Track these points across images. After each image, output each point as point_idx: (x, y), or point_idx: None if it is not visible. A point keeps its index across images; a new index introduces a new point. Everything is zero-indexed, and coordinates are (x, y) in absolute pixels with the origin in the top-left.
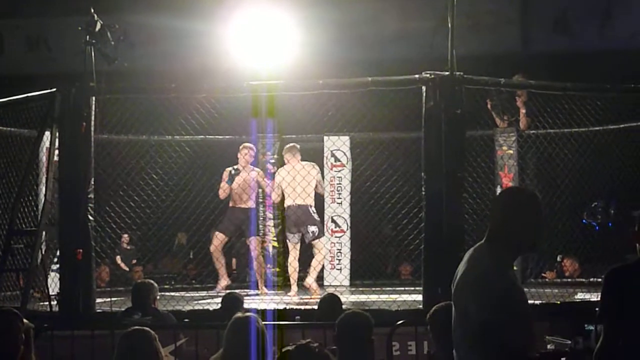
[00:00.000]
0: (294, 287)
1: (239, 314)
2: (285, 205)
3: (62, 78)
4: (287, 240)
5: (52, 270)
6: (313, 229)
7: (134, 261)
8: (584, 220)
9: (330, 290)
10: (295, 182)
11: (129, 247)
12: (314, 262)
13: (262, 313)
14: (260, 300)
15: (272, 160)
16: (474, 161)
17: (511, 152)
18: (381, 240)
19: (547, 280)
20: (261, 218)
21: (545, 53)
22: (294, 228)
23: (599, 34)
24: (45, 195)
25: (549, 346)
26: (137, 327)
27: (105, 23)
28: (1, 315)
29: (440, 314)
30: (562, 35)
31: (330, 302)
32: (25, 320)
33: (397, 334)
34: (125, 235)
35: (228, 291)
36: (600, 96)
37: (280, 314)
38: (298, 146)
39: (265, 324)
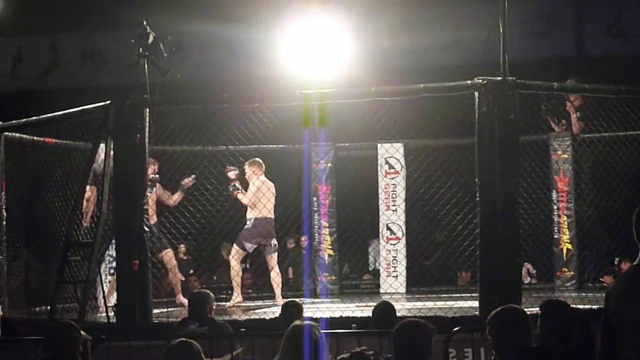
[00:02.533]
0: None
1: (297, 322)
2: (253, 217)
3: (117, 90)
4: (239, 249)
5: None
6: (274, 242)
7: (191, 271)
8: None
9: (387, 297)
10: (267, 196)
11: (185, 258)
12: (276, 277)
13: (317, 321)
14: (316, 309)
15: (326, 169)
16: (528, 166)
17: (566, 156)
18: (436, 247)
19: (604, 284)
20: (316, 226)
21: (599, 57)
22: (255, 239)
23: None
24: (101, 207)
25: None
26: (182, 339)
27: (158, 35)
28: (59, 327)
29: (500, 318)
30: (616, 39)
31: (385, 310)
32: (82, 332)
33: (454, 340)
34: (182, 246)
35: (288, 299)
36: None
37: (335, 321)
38: (261, 161)
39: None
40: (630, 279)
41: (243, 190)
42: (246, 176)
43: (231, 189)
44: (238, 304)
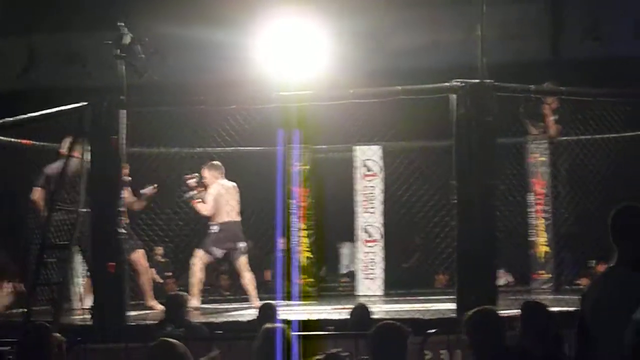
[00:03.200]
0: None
1: (269, 325)
2: (221, 221)
3: (96, 92)
4: (205, 254)
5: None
6: (243, 244)
7: (168, 274)
8: None
9: (364, 300)
10: (227, 199)
11: (162, 260)
12: (249, 282)
13: (294, 323)
14: (292, 311)
15: (303, 172)
16: (505, 169)
17: (543, 159)
18: (414, 249)
19: (581, 286)
20: (293, 229)
21: (576, 60)
22: (224, 244)
23: (631, 40)
24: (77, 208)
25: None
26: (165, 339)
27: (135, 36)
28: (33, 329)
29: (475, 320)
30: (593, 42)
31: (361, 312)
32: (57, 334)
33: (430, 342)
34: (159, 248)
35: (265, 302)
36: (630, 102)
37: (312, 324)
38: (220, 164)
39: (297, 334)
40: (607, 281)
41: (202, 199)
42: (205, 181)
43: (188, 196)
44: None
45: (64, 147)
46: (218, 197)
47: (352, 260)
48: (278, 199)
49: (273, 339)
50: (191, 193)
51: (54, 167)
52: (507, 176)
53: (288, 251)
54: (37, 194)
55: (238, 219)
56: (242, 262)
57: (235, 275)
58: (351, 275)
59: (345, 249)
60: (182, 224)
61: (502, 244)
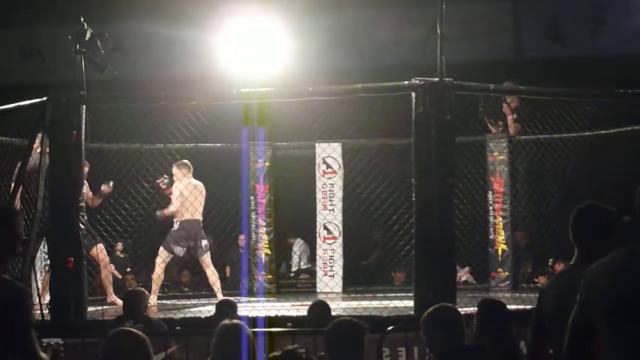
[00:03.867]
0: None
1: (226, 322)
2: (179, 219)
3: (55, 88)
4: (168, 253)
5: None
6: (205, 242)
7: (128, 269)
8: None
9: (322, 297)
10: (193, 197)
11: (122, 256)
12: (213, 279)
13: (254, 320)
14: (252, 307)
15: (264, 168)
16: (464, 167)
17: (502, 157)
18: (373, 247)
19: (539, 285)
20: (253, 225)
21: (537, 60)
22: (184, 242)
23: (591, 39)
24: (36, 204)
25: None
26: (125, 328)
27: (96, 32)
28: None
29: (433, 317)
30: (554, 42)
31: (320, 309)
32: None
33: (388, 339)
34: (119, 244)
35: (223, 298)
36: (590, 101)
37: (271, 320)
38: (189, 163)
39: (255, 331)
40: (567, 279)
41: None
42: (174, 178)
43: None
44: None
45: (37, 142)
46: (183, 195)
47: (304, 256)
48: (242, 196)
49: (230, 336)
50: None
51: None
52: (466, 174)
53: (248, 248)
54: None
55: (199, 217)
56: (205, 259)
57: (196, 272)
58: (310, 271)
59: (296, 245)
60: (141, 220)
61: (461, 242)
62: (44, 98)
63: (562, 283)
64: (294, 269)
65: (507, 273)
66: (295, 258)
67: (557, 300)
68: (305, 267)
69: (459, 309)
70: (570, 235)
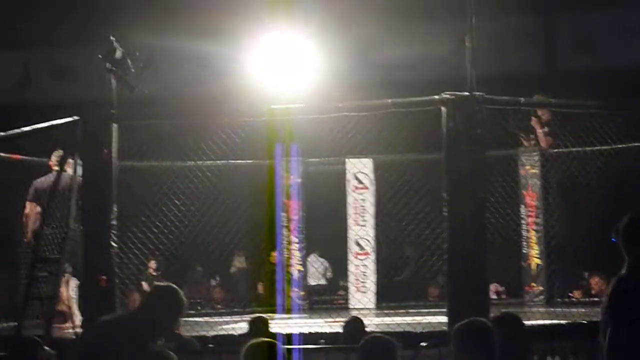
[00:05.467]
0: None
1: (254, 340)
2: None
3: (87, 106)
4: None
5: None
6: None
7: None
8: (613, 239)
9: (355, 313)
10: None
11: (154, 274)
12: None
13: (288, 337)
14: (285, 324)
15: (296, 185)
16: (496, 181)
17: (534, 171)
18: (406, 262)
19: (573, 299)
20: (286, 242)
21: (568, 72)
22: None
23: (623, 51)
24: (68, 222)
25: None
26: (158, 350)
27: (126, 50)
28: (22, 343)
29: (463, 330)
30: (585, 54)
31: (354, 325)
32: (46, 348)
33: (421, 355)
34: (152, 262)
35: (256, 315)
36: (622, 114)
37: (305, 337)
38: None
39: (289, 348)
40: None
41: None
42: None
43: None
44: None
45: (54, 160)
46: None
47: (321, 272)
48: (273, 212)
49: (261, 353)
50: None
51: (43, 181)
52: (498, 188)
53: (281, 264)
54: (28, 207)
55: None
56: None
57: (228, 289)
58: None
59: (312, 260)
60: (173, 238)
61: (494, 257)
62: (76, 117)
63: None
64: (312, 283)
65: (541, 287)
66: (314, 273)
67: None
68: (324, 283)
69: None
70: (622, 244)
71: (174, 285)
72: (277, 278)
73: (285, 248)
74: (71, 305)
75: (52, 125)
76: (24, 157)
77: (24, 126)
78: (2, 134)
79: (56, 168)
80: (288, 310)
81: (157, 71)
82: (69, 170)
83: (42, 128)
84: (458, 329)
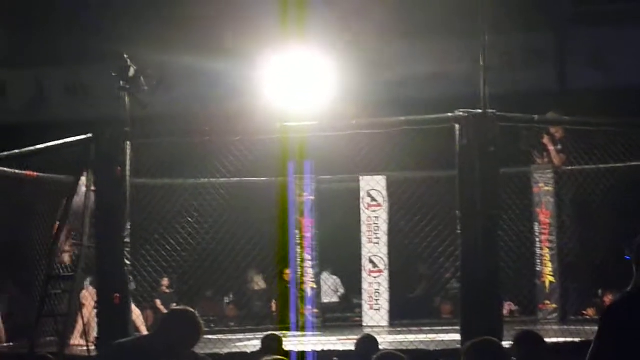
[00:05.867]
0: None
1: (267, 358)
2: None
3: (100, 124)
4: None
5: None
6: None
7: (174, 305)
8: (627, 257)
9: (369, 330)
10: None
11: (167, 291)
12: None
13: (301, 354)
14: (299, 342)
15: (309, 202)
16: (509, 199)
17: (548, 188)
18: (419, 280)
19: (587, 317)
20: (299, 259)
21: (581, 90)
22: None
23: (636, 69)
24: (82, 240)
25: None
26: None
27: (139, 67)
28: None
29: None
30: (598, 72)
31: (367, 343)
32: None
33: None
34: (165, 279)
35: (269, 332)
36: (635, 131)
37: (318, 355)
38: None
39: None
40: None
41: None
42: None
43: None
44: None
45: (83, 180)
46: None
47: (335, 289)
48: (286, 230)
49: None
50: None
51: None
52: (512, 206)
53: (294, 282)
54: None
55: None
56: None
57: (241, 306)
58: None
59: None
60: (186, 255)
61: (507, 274)
62: (89, 135)
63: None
64: (325, 301)
65: (554, 305)
66: (327, 291)
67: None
68: (336, 300)
69: (507, 342)
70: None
71: (191, 309)
72: (290, 296)
73: (299, 266)
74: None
75: (66, 143)
76: (39, 174)
77: (37, 144)
78: (17, 151)
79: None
80: (301, 328)
81: (170, 89)
82: (84, 188)
83: (55, 146)
84: (469, 348)
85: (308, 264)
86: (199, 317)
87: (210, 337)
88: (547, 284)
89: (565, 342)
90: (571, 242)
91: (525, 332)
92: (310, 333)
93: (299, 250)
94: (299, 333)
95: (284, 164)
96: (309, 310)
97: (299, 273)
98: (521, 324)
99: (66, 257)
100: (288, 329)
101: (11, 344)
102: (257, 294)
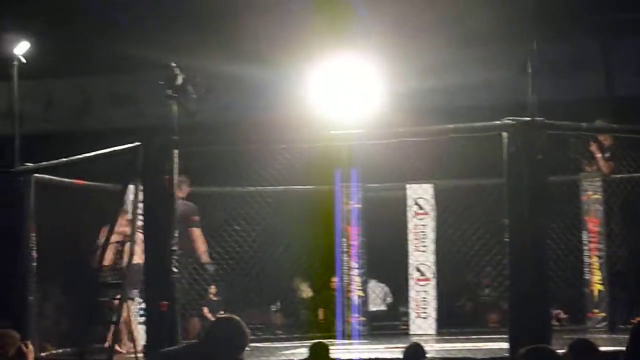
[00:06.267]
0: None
1: None
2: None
3: (148, 132)
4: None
5: (139, 323)
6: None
7: (221, 312)
8: None
9: (416, 338)
10: None
11: (215, 299)
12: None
13: None
14: (346, 350)
15: (356, 210)
16: (557, 207)
17: (597, 196)
18: (466, 288)
19: None
20: (346, 267)
21: (629, 97)
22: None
23: None
24: (130, 248)
25: None
26: None
27: (187, 76)
28: None
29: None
30: None
31: (414, 351)
32: None
33: None
34: (212, 287)
35: (316, 340)
36: None
37: None
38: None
39: None
40: None
41: None
42: None
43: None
44: None
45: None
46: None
47: (382, 297)
48: (335, 238)
49: None
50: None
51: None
52: (560, 214)
53: (341, 290)
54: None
55: None
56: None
57: (288, 314)
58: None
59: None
60: (233, 263)
61: (556, 283)
62: (137, 142)
63: None
64: (372, 309)
65: (603, 314)
66: (375, 299)
67: None
68: (384, 309)
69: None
70: None
71: (237, 318)
72: (337, 304)
73: (345, 274)
74: (133, 329)
75: (114, 151)
76: (85, 182)
77: (84, 152)
78: (64, 159)
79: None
80: (348, 336)
81: (217, 97)
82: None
83: (103, 154)
84: (523, 354)
85: (355, 272)
86: (245, 325)
87: (257, 345)
88: (596, 292)
89: (614, 351)
90: (620, 250)
91: (579, 339)
92: (357, 341)
93: (345, 258)
94: (346, 341)
95: (330, 172)
96: (356, 318)
97: (346, 281)
98: (570, 333)
99: (114, 265)
100: (335, 337)
101: (60, 350)
102: (303, 302)
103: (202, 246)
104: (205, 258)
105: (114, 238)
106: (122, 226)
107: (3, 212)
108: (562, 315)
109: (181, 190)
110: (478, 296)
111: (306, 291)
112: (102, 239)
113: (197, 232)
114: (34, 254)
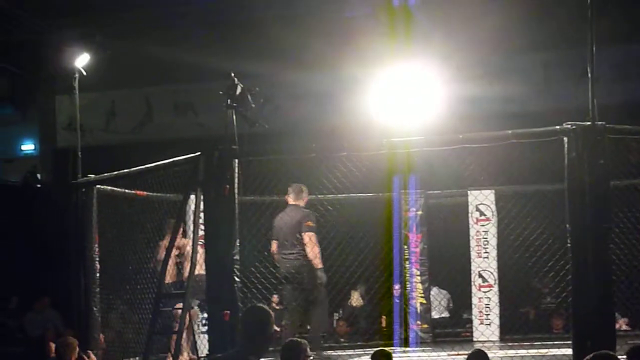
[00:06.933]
0: None
1: None
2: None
3: (209, 142)
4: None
5: (202, 332)
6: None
7: (283, 322)
8: None
9: (479, 345)
10: None
11: (277, 308)
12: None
13: None
14: (408, 358)
15: (416, 217)
16: (620, 212)
17: None
18: (530, 294)
19: None
20: (407, 274)
21: None
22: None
23: None
24: (192, 258)
25: None
26: None
27: (246, 86)
28: None
29: None
30: None
31: (477, 358)
32: None
33: None
34: (275, 296)
35: (378, 348)
36: None
37: None
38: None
39: None
40: None
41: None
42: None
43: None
44: None
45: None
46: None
47: (445, 304)
48: (394, 245)
49: None
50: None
51: (280, 217)
52: (623, 219)
53: (402, 297)
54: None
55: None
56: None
57: (351, 322)
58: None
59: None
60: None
61: (620, 288)
62: (198, 153)
63: None
64: (435, 316)
65: None
66: (438, 306)
67: None
68: (447, 315)
69: (620, 357)
70: None
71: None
72: (398, 311)
73: (407, 281)
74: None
75: (175, 161)
76: (148, 193)
77: (146, 163)
78: (126, 170)
79: (293, 202)
80: (410, 344)
81: (276, 107)
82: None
83: (164, 164)
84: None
85: (417, 279)
86: (265, 308)
87: (321, 353)
88: None
89: None
90: None
91: (637, 346)
92: (420, 348)
93: (407, 265)
94: (408, 348)
95: (390, 179)
96: (418, 326)
97: (408, 288)
98: (634, 338)
99: (175, 275)
100: (398, 345)
101: None
102: (365, 309)
103: (311, 251)
104: (317, 263)
105: (175, 251)
106: (182, 238)
107: (66, 223)
108: (626, 321)
109: (302, 200)
110: (541, 302)
111: (357, 299)
112: (162, 253)
113: (307, 237)
114: (97, 265)
